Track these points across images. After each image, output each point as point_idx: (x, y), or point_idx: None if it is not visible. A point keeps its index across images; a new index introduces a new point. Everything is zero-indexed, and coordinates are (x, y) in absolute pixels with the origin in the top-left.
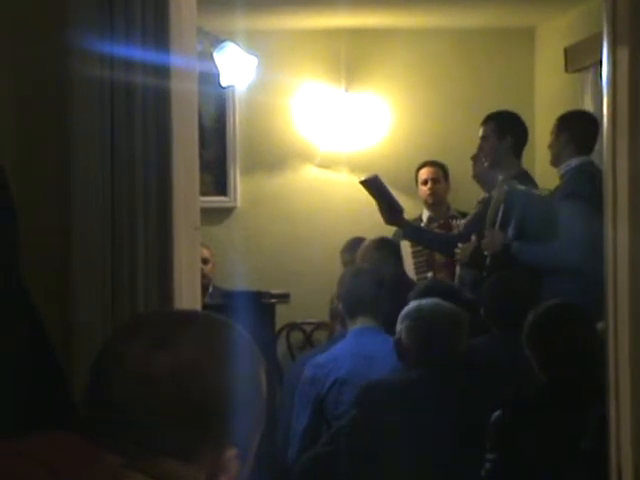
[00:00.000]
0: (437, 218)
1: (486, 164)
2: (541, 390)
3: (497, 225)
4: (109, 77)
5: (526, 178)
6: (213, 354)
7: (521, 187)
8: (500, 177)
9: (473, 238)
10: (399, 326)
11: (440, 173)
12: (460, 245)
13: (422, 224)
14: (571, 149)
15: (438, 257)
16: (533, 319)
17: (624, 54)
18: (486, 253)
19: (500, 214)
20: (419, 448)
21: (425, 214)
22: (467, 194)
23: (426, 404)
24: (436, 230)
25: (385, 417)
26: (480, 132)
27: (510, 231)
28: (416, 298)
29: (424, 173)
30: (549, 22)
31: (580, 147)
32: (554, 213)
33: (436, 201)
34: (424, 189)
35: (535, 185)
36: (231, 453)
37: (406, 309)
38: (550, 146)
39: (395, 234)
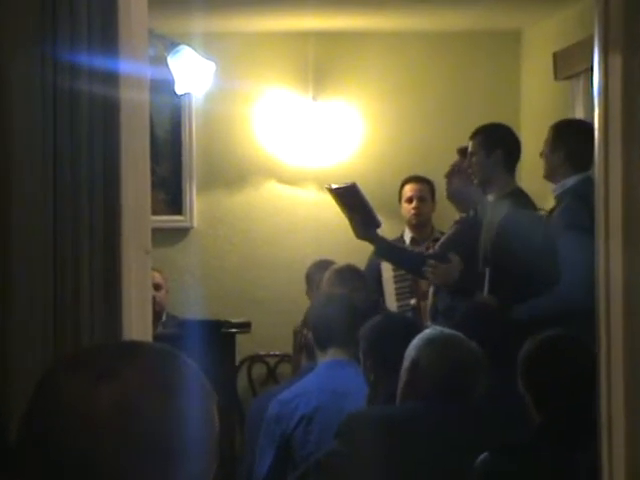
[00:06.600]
0: (421, 240)
1: (475, 181)
2: (535, 432)
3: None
4: (51, 83)
5: (521, 196)
6: (160, 387)
7: (521, 211)
8: (490, 196)
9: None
10: (413, 352)
11: (426, 190)
12: (432, 263)
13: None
14: (568, 166)
15: (424, 283)
16: (526, 353)
17: (617, 60)
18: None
19: (490, 244)
20: None
21: (407, 235)
22: (450, 213)
23: (418, 440)
24: (415, 249)
25: (369, 451)
26: (469, 148)
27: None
28: (368, 335)
29: (409, 190)
30: (537, 25)
31: (578, 164)
32: (555, 244)
33: (421, 221)
34: (408, 208)
35: (531, 203)
36: None
37: (424, 335)
38: (542, 156)
39: (372, 256)
